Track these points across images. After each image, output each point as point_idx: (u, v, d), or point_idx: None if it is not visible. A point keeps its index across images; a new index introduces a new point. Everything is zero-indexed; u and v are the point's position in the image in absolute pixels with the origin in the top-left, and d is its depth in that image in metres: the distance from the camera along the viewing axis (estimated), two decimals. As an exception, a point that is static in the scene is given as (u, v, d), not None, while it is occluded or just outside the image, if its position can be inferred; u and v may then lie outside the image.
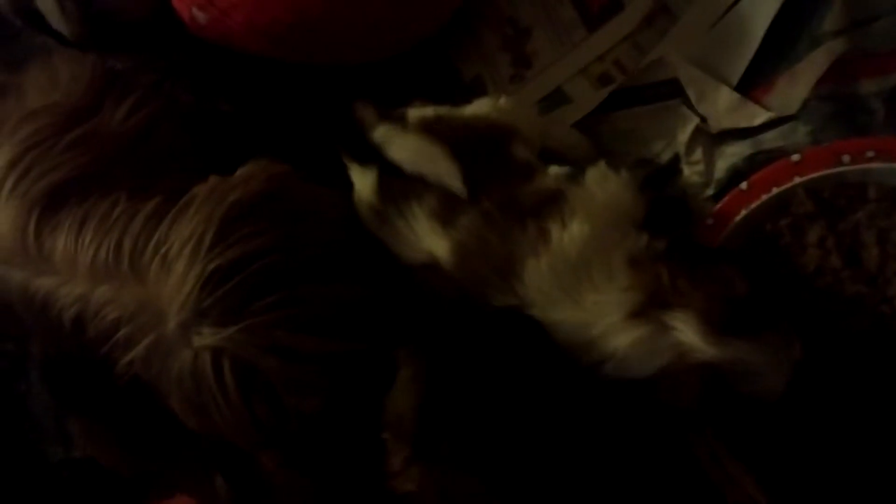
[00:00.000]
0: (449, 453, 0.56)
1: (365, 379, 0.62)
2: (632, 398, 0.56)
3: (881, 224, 0.62)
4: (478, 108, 0.69)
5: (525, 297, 0.59)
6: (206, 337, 0.56)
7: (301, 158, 0.67)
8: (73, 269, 0.60)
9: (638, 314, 0.56)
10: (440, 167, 0.63)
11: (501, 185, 0.63)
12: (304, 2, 0.71)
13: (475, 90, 0.82)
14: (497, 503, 0.56)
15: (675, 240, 0.61)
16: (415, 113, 0.68)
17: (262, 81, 0.80)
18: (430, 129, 0.66)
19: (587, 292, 0.58)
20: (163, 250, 0.58)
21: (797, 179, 0.64)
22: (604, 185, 0.63)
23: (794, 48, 0.70)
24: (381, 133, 0.67)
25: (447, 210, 0.62)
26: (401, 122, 0.67)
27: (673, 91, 0.74)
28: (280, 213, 0.61)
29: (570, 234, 0.59)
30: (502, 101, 0.69)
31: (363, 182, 0.66)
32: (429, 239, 0.62)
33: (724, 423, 0.60)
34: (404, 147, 0.65)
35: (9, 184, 0.62)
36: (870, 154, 0.62)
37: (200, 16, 0.72)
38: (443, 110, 0.68)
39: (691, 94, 0.72)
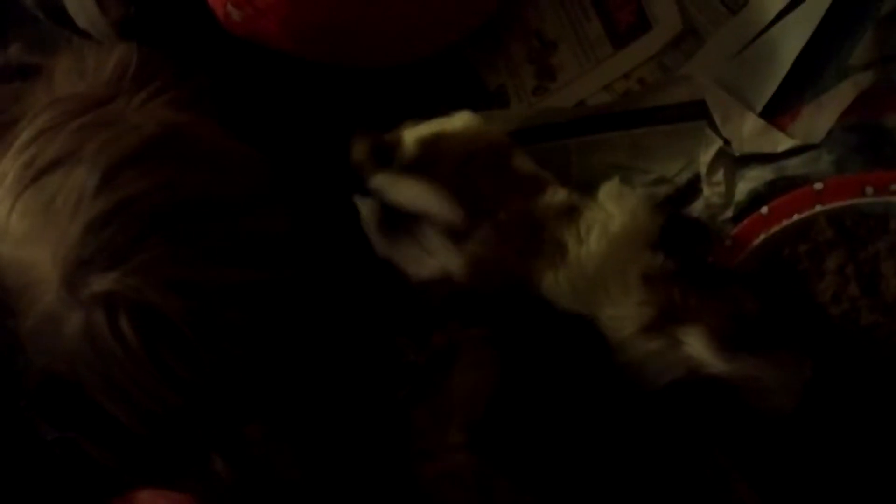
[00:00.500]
0: (504, 451, 0.55)
1: (312, 321, 0.58)
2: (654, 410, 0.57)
3: (900, 256, 0.63)
4: (460, 121, 0.69)
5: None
6: (95, 284, 0.52)
7: (316, 161, 0.68)
8: (17, 236, 0.57)
9: (651, 328, 0.58)
10: (438, 205, 0.64)
11: (512, 198, 0.64)
12: (340, 5, 0.71)
13: (499, 100, 0.82)
14: None
15: (687, 260, 0.62)
16: (411, 134, 0.68)
17: (288, 80, 0.80)
18: (430, 148, 0.67)
19: (605, 306, 0.59)
20: (54, 205, 0.55)
21: (819, 207, 0.65)
22: (619, 201, 0.64)
23: (821, 78, 0.70)
24: (378, 181, 0.67)
25: (464, 229, 0.63)
26: (396, 144, 0.68)
27: (697, 112, 0.74)
28: (172, 156, 0.57)
29: (587, 249, 0.61)
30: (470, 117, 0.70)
31: (368, 209, 0.67)
32: (441, 255, 0.63)
33: (733, 441, 0.61)
34: (401, 192, 0.66)
35: (15, 166, 0.61)
36: (893, 187, 0.63)
37: (235, 13, 0.71)
38: (435, 126, 0.69)
39: (717, 116, 0.73)
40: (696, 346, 0.56)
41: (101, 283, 0.52)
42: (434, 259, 0.63)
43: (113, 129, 0.58)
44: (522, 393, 0.57)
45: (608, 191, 0.65)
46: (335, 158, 0.72)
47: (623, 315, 0.59)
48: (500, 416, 0.56)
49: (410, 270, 0.64)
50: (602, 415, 0.57)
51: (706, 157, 0.73)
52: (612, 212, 0.63)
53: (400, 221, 0.65)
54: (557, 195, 0.64)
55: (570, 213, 0.63)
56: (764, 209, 0.66)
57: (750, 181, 0.71)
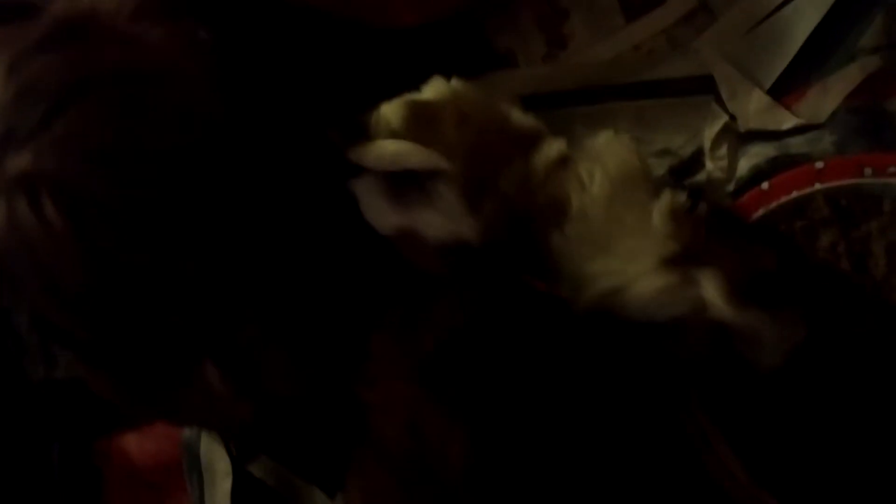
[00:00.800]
0: (449, 386, 0.55)
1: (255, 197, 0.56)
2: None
3: (891, 237, 0.65)
4: (432, 89, 0.67)
5: (557, 267, 0.60)
6: (10, 166, 0.50)
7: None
8: None
9: (670, 262, 0.58)
10: (421, 156, 0.62)
11: (518, 155, 0.63)
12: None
13: (507, 63, 0.82)
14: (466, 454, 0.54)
15: (716, 208, 0.63)
16: (392, 105, 0.65)
17: (296, 35, 0.79)
18: (419, 112, 0.65)
19: (621, 238, 0.59)
20: None
21: (818, 185, 0.67)
22: (609, 146, 0.63)
23: (828, 60, 0.72)
24: (354, 153, 0.65)
25: (473, 190, 0.63)
26: (371, 120, 0.65)
27: (704, 87, 0.76)
28: (83, 37, 0.55)
29: (592, 194, 0.60)
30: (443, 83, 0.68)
31: (370, 184, 0.65)
32: (455, 218, 0.63)
33: (715, 399, 0.62)
34: (381, 155, 0.64)
35: None
36: (891, 169, 0.65)
37: (246, -40, 0.71)
38: (409, 97, 0.66)
39: (724, 91, 0.74)
40: (710, 288, 0.56)
41: (16, 163, 0.50)
42: (448, 221, 0.63)
43: (22, 23, 0.56)
44: (483, 336, 0.57)
45: (599, 139, 0.64)
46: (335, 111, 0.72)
47: (644, 245, 0.58)
48: (454, 354, 0.56)
49: (430, 233, 0.63)
50: (569, 366, 0.57)
51: (711, 131, 0.74)
52: (605, 156, 0.62)
53: (411, 185, 0.64)
54: (553, 147, 0.63)
55: (565, 165, 0.62)
56: (765, 185, 0.68)
57: (753, 157, 0.73)
